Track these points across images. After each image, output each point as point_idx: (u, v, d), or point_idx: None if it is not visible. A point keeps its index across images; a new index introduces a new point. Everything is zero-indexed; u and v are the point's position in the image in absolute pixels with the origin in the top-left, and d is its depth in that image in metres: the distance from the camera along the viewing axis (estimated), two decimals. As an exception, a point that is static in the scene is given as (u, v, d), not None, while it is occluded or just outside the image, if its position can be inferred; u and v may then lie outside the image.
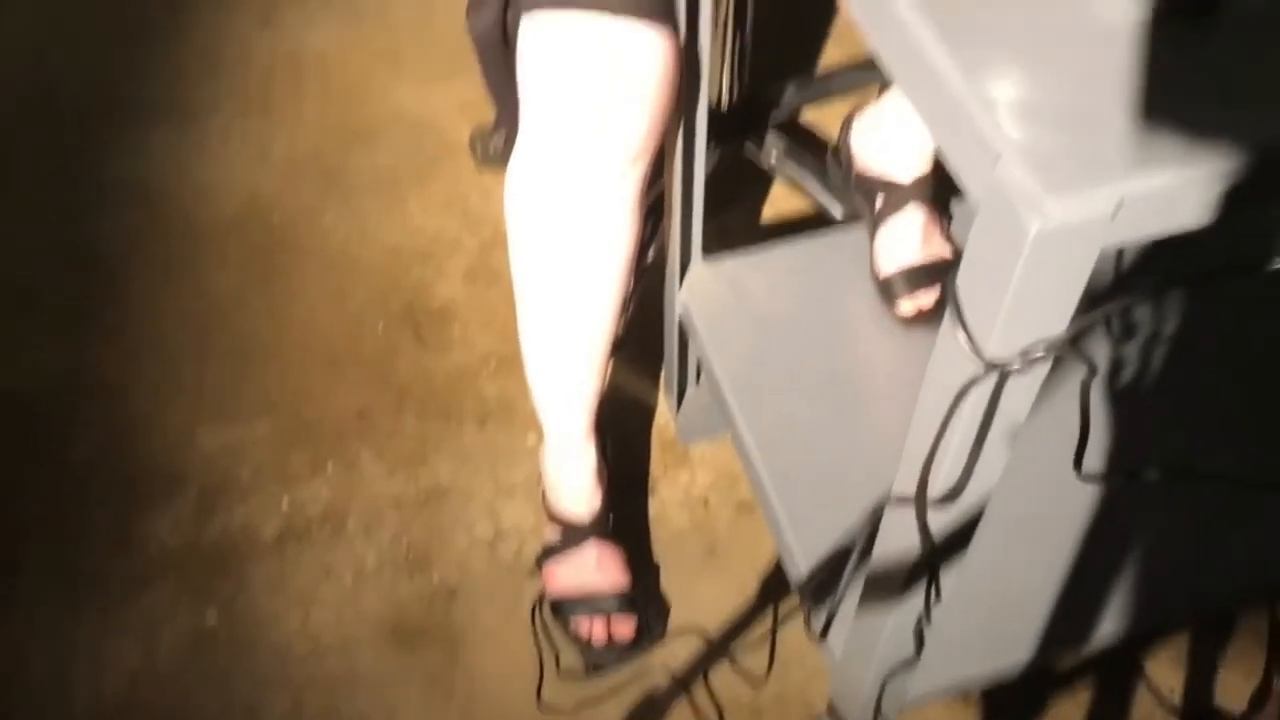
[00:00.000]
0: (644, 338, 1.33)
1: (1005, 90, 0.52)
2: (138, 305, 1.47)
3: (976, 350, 0.54)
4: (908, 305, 1.08)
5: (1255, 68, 0.53)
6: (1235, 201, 0.52)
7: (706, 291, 1.14)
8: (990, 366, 0.54)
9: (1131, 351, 1.10)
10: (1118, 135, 0.51)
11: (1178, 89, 0.53)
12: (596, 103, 0.87)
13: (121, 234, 1.54)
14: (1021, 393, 0.58)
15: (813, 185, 1.46)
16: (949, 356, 0.57)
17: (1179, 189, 0.50)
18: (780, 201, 1.55)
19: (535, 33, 0.87)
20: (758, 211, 1.54)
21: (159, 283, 1.49)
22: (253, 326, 1.45)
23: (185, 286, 1.49)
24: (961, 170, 0.53)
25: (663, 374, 1.36)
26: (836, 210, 1.41)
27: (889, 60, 0.59)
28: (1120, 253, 1.12)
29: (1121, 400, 1.06)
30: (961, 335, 0.55)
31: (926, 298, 1.07)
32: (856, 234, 1.17)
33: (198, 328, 1.45)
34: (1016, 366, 0.54)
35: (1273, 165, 0.51)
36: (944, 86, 0.53)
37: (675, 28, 0.89)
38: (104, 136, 1.64)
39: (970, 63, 0.53)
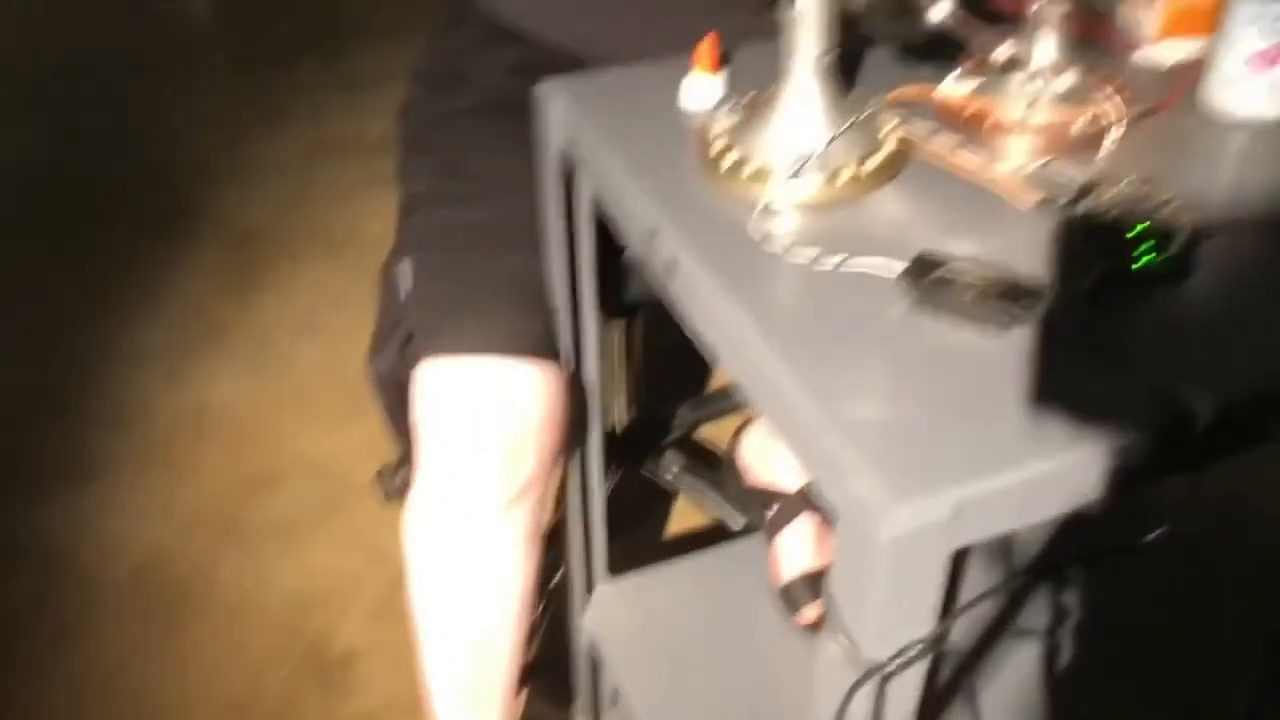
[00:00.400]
0: (558, 663, 1.32)
1: (851, 408, 0.58)
2: (30, 671, 1.41)
3: (854, 654, 0.57)
4: (809, 612, 1.10)
5: (1063, 375, 0.60)
6: (1076, 494, 0.57)
7: (614, 613, 1.15)
8: (869, 670, 0.56)
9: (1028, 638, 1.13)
10: (954, 444, 0.56)
11: (1000, 399, 0.59)
12: (489, 441, 0.92)
13: (18, 598, 1.50)
14: (906, 691, 0.60)
15: (711, 499, 1.50)
16: (831, 661, 0.59)
17: (1014, 490, 0.55)
18: (683, 516, 1.58)
19: (430, 377, 0.93)
20: (661, 528, 1.58)
21: (54, 645, 1.44)
22: (151, 684, 1.40)
23: (81, 647, 1.44)
24: (819, 483, 0.58)
25: (577, 700, 1.33)
26: (736, 522, 1.45)
27: (747, 386, 0.64)
28: (1008, 540, 1.16)
29: (1039, 678, 1.07)
30: (839, 640, 0.58)
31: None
32: (757, 544, 1.20)
33: (92, 690, 1.39)
34: (892, 668, 0.56)
35: (1097, 462, 0.56)
36: (795, 408, 0.59)
37: (562, 363, 0.95)
38: (3, 499, 1.64)
39: (817, 385, 0.59)
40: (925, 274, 0.64)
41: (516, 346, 0.91)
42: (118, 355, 1.89)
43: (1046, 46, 0.76)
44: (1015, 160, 0.75)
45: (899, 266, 0.65)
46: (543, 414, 0.93)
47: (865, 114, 0.74)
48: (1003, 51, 0.70)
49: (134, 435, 1.75)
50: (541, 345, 0.93)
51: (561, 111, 0.84)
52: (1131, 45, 0.87)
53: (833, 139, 0.71)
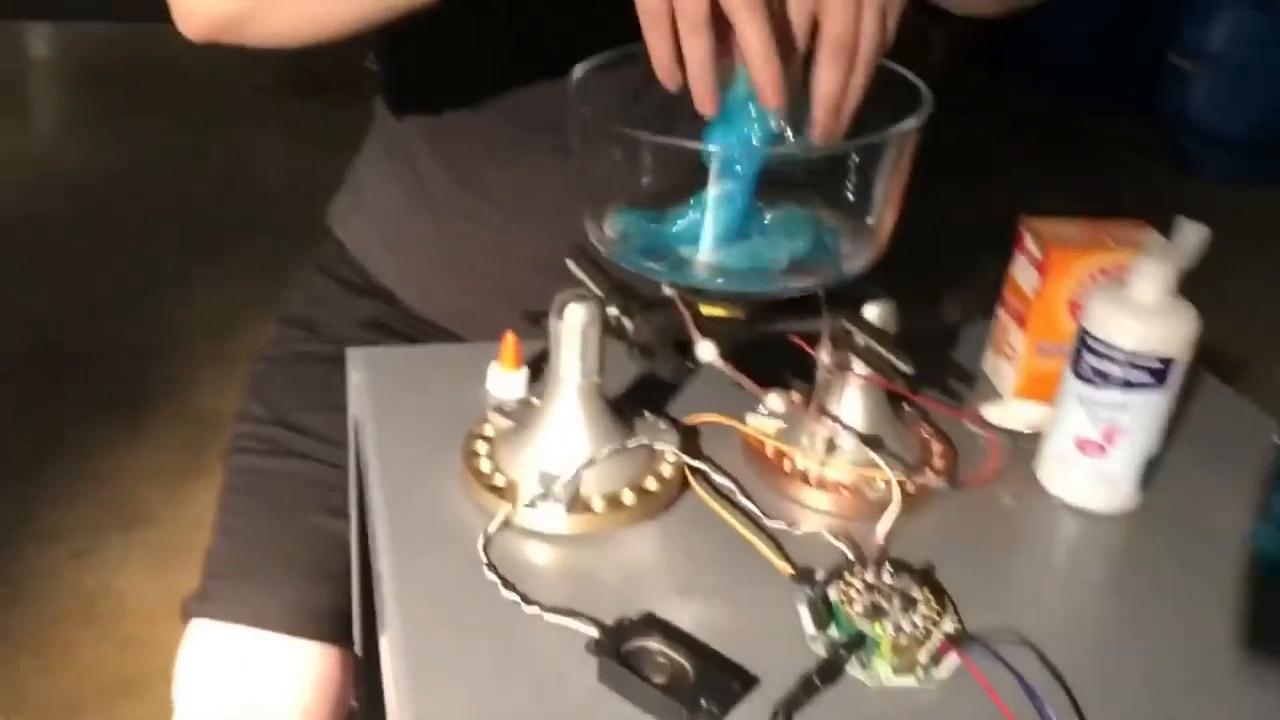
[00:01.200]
0: None
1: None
2: None
3: None
4: None
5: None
6: None
7: None
8: None
9: None
10: None
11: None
12: (251, 716, 0.85)
13: None
14: None
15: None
16: None
17: None
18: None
19: (193, 639, 0.87)
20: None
21: None
22: None
23: None
24: None
25: None
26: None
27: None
28: None
29: None
30: None
31: None
32: None
33: None
34: None
35: None
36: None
37: (349, 644, 0.89)
38: None
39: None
40: (617, 644, 0.57)
41: (290, 623, 0.85)
42: (28, 525, 1.86)
43: (848, 400, 0.71)
44: (800, 518, 0.69)
45: (595, 630, 0.58)
46: (308, 702, 0.86)
47: (632, 445, 0.69)
48: (774, 403, 0.65)
49: (21, 614, 1.69)
50: (326, 623, 0.87)
51: (357, 380, 0.80)
52: (982, 400, 0.82)
53: (578, 470, 0.66)
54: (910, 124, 0.61)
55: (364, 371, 0.81)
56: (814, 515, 0.70)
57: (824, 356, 0.68)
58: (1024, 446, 0.78)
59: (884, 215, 0.65)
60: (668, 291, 0.67)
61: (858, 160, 0.64)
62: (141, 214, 2.89)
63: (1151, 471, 0.72)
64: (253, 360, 0.99)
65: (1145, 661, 0.62)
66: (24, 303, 2.49)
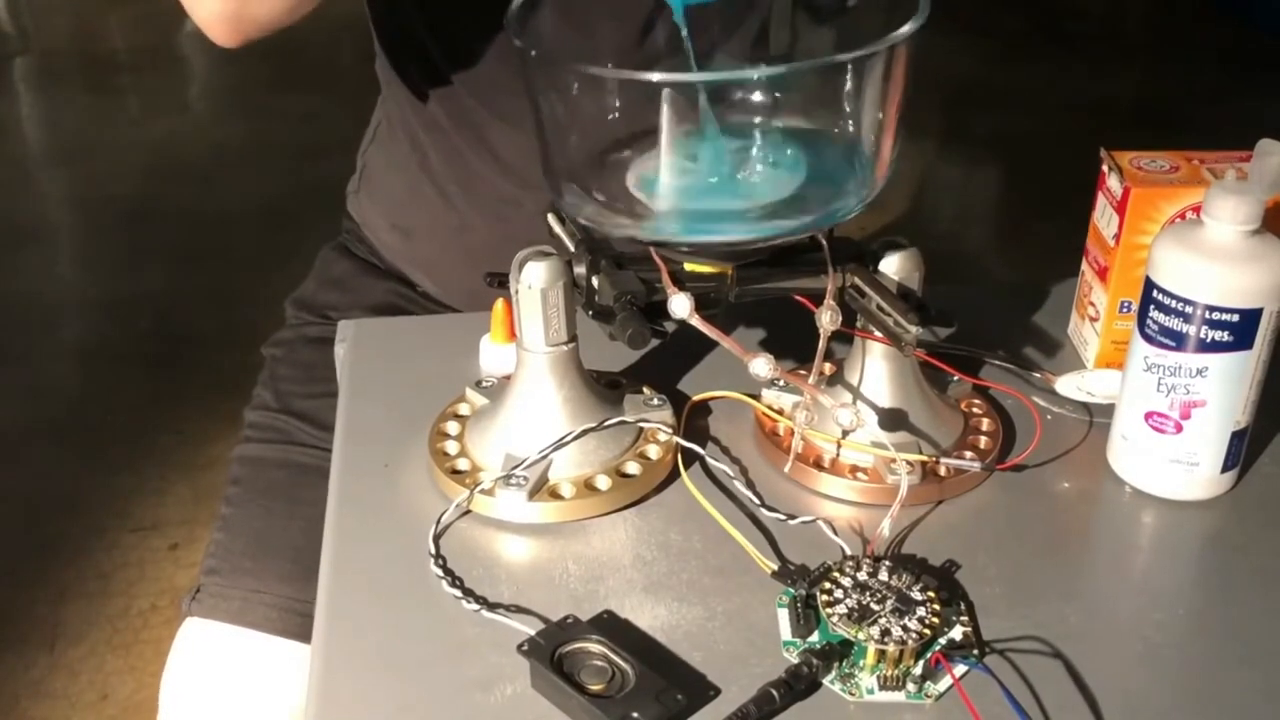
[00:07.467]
0: None
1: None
2: None
3: None
4: None
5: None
6: None
7: None
8: None
9: None
10: None
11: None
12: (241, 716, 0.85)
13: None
14: None
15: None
16: None
17: None
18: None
19: (187, 637, 0.87)
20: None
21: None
22: None
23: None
24: None
25: None
26: None
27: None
28: None
29: None
30: None
31: None
32: None
33: None
34: None
35: None
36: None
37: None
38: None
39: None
40: (555, 646, 0.54)
41: (282, 624, 0.85)
42: (125, 516, 1.95)
43: (870, 370, 0.66)
44: (811, 507, 0.64)
45: (530, 632, 0.55)
46: (297, 705, 0.85)
47: (611, 423, 0.65)
48: (760, 367, 0.60)
49: (106, 605, 1.77)
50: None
51: (344, 353, 0.79)
52: (1065, 371, 0.75)
53: (542, 453, 0.63)
54: (899, 35, 0.56)
55: (352, 343, 0.80)
56: (828, 504, 0.65)
57: (824, 318, 0.62)
58: (1103, 424, 0.71)
59: (881, 142, 0.60)
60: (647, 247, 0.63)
61: (849, 80, 0.58)
62: (268, 197, 2.98)
63: (1240, 449, 0.64)
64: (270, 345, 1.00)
65: (1214, 689, 0.55)
66: (148, 285, 2.60)
